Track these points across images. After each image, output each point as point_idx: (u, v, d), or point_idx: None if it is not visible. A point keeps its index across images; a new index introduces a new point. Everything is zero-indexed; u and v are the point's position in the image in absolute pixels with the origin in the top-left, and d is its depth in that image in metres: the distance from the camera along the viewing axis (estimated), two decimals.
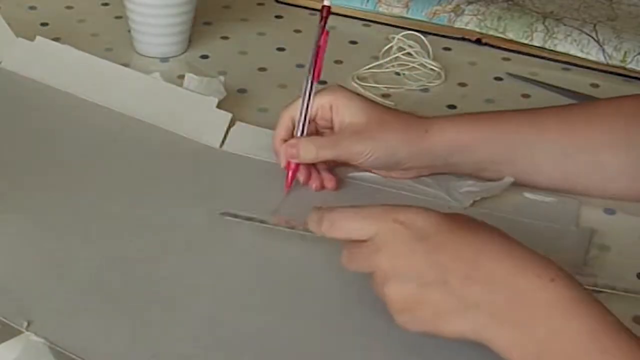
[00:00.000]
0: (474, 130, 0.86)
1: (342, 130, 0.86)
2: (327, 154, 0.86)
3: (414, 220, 0.67)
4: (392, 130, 0.85)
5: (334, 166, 0.89)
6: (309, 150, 0.85)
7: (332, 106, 0.86)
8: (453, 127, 0.86)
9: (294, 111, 0.87)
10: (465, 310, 0.64)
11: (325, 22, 0.86)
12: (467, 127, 0.86)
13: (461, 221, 0.68)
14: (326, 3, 0.85)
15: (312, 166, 0.87)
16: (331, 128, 0.87)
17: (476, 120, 0.87)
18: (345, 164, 0.88)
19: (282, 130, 0.87)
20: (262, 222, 0.81)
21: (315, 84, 0.87)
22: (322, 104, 0.86)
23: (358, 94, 0.88)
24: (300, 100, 0.86)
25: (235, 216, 0.82)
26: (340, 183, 0.88)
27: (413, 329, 0.67)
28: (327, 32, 0.86)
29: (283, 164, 0.86)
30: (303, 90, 0.86)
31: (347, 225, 0.69)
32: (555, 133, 0.85)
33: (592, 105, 0.92)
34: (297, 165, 0.86)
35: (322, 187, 0.87)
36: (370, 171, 0.88)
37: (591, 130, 0.85)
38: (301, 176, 0.87)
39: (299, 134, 0.86)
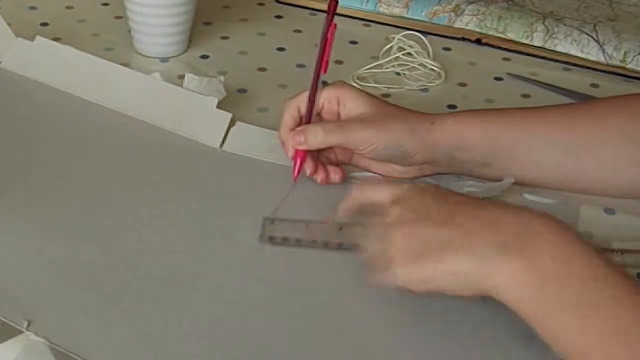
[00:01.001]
0: (478, 124, 0.86)
1: (350, 119, 0.86)
2: (335, 138, 0.85)
3: (428, 187, 0.74)
4: (399, 121, 0.85)
5: (338, 162, 0.89)
6: (317, 134, 0.85)
7: (339, 99, 0.87)
8: (457, 121, 0.86)
9: (301, 101, 0.87)
10: (471, 241, 0.67)
11: (332, 16, 0.86)
12: (471, 121, 0.86)
13: None
14: None
15: (318, 159, 0.87)
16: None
17: (480, 115, 0.87)
18: (350, 162, 0.89)
19: (288, 119, 0.87)
20: (298, 241, 0.81)
21: (322, 74, 0.86)
22: (329, 97, 0.87)
23: (364, 90, 0.88)
24: (307, 91, 0.87)
25: (272, 239, 0.81)
26: (340, 184, 0.88)
27: (414, 282, 0.69)
28: (335, 25, 0.86)
29: (290, 153, 0.86)
30: (311, 81, 0.86)
31: (373, 190, 0.76)
32: (558, 130, 0.86)
33: (594, 103, 0.92)
34: (304, 154, 0.86)
35: (328, 179, 0.87)
36: (371, 171, 0.88)
37: (593, 127, 0.85)
38: (308, 168, 0.86)
39: (305, 122, 0.86)
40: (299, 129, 0.86)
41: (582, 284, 0.63)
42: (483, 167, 0.87)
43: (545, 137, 0.86)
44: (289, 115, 0.87)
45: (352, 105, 0.86)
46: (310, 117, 0.87)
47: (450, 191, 0.74)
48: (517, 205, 0.73)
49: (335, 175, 0.87)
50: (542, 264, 0.64)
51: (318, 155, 0.88)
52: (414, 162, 0.87)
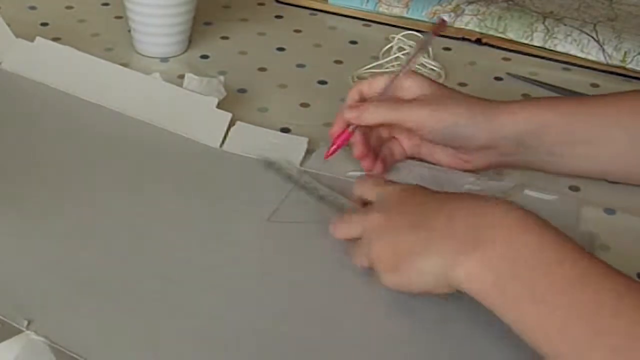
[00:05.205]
0: (549, 108, 0.85)
1: (409, 100, 0.86)
2: (390, 115, 0.85)
3: (411, 188, 0.77)
4: (460, 104, 0.85)
5: (406, 156, 0.90)
6: (371, 112, 0.85)
7: (402, 85, 0.87)
8: (532, 104, 0.86)
9: (363, 85, 0.88)
10: (434, 240, 0.69)
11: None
12: (543, 105, 0.85)
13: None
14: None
15: (374, 149, 0.88)
16: None
17: (555, 100, 0.87)
18: (418, 155, 0.89)
19: (350, 101, 0.88)
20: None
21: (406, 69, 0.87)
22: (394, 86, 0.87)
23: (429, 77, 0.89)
24: (373, 78, 0.88)
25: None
26: (339, 183, 0.88)
27: (397, 287, 0.72)
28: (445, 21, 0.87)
29: (335, 128, 0.87)
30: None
31: (361, 189, 0.81)
32: (629, 116, 0.85)
33: None
34: (348, 135, 0.86)
35: (372, 167, 0.87)
36: (436, 161, 0.89)
37: None
38: (357, 151, 0.86)
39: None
40: (352, 104, 0.87)
41: (538, 270, 0.64)
42: (551, 155, 0.86)
43: (619, 124, 0.85)
44: (350, 97, 0.88)
45: (413, 85, 0.86)
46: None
47: (431, 191, 0.75)
48: (480, 196, 0.74)
49: (378, 166, 0.87)
50: (495, 256, 0.65)
51: (380, 147, 0.88)
52: (478, 146, 0.85)
